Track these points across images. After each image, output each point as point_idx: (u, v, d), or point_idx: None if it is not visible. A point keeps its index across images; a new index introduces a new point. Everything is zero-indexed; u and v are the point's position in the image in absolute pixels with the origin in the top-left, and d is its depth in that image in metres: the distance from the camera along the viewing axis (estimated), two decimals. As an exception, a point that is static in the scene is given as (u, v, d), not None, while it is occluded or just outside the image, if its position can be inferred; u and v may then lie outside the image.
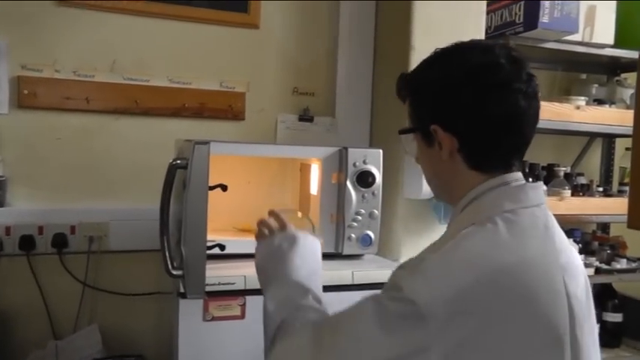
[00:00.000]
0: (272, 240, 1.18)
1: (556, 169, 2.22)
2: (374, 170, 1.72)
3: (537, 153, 2.30)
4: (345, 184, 1.71)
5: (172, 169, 1.45)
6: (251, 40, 2.13)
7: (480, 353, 0.82)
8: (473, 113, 0.93)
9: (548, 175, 2.26)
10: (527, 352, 0.85)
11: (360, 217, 1.73)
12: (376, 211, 1.74)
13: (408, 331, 0.82)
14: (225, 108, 2.09)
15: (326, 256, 1.67)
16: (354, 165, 1.71)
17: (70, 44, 1.92)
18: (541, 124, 1.00)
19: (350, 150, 1.72)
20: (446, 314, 0.81)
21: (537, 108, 0.97)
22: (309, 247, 1.18)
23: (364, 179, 1.71)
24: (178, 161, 1.44)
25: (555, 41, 2.12)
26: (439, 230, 1.33)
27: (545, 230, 0.93)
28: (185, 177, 1.42)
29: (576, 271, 0.96)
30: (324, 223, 1.74)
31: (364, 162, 1.72)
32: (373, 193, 1.73)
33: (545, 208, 0.97)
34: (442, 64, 0.98)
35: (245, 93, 2.12)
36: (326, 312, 1.05)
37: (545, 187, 1.07)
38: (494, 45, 0.97)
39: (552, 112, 2.10)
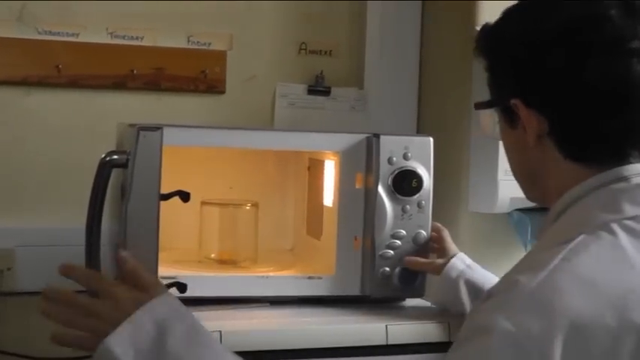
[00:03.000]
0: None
1: None
2: (420, 169, 1.70)
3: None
4: (376, 190, 1.69)
5: (105, 169, 1.45)
6: (234, -28, 2.15)
7: None
8: (565, 83, 1.05)
9: None
10: None
11: (398, 242, 1.70)
12: (424, 232, 1.71)
13: None
14: (195, 75, 2.11)
15: (346, 301, 1.66)
16: (390, 161, 1.70)
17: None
18: None
19: (383, 138, 1.70)
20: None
21: None
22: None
23: (405, 183, 1.70)
24: (115, 156, 1.46)
25: None
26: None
27: None
28: (124, 180, 1.42)
29: None
30: (343, 249, 1.72)
31: (405, 156, 1.70)
32: (419, 205, 1.71)
33: None
34: (527, 15, 1.11)
35: (226, 52, 2.14)
36: None
37: None
38: None
39: None
